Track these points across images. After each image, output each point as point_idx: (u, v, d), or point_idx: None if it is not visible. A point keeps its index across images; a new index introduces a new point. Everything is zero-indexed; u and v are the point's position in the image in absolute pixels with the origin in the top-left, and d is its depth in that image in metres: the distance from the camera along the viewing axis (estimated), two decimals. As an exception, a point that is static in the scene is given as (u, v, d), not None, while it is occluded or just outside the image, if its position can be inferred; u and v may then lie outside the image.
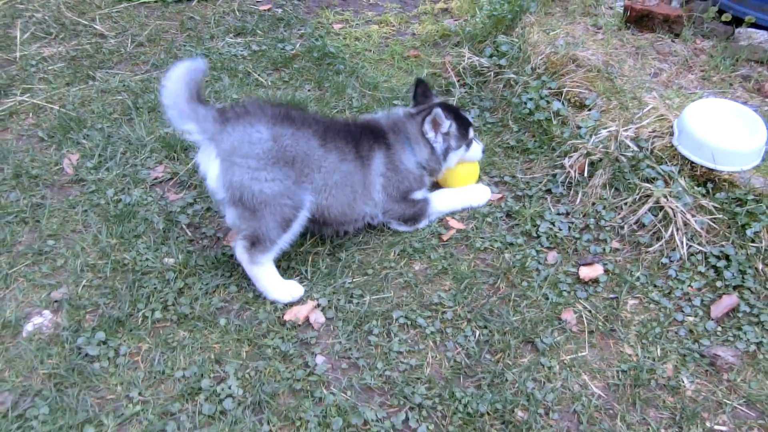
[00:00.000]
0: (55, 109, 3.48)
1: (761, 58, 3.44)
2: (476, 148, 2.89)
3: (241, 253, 2.46)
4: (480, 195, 2.89)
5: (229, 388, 2.19)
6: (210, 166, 2.40)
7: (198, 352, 2.31)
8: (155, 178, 3.05)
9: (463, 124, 2.78)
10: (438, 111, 2.65)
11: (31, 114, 3.48)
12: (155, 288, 2.51)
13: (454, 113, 2.77)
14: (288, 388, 2.20)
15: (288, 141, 2.41)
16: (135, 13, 4.47)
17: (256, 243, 2.42)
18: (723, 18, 3.66)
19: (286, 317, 2.41)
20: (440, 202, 2.83)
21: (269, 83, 3.79)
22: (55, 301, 2.49)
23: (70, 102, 3.54)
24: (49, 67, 3.86)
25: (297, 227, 2.46)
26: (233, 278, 2.58)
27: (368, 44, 4.22)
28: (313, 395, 2.17)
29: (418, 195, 2.76)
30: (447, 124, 2.70)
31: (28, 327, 2.40)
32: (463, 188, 2.91)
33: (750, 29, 3.52)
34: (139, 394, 2.18)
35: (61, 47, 4.06)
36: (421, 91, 2.86)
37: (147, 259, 2.63)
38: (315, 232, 2.71)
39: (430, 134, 2.71)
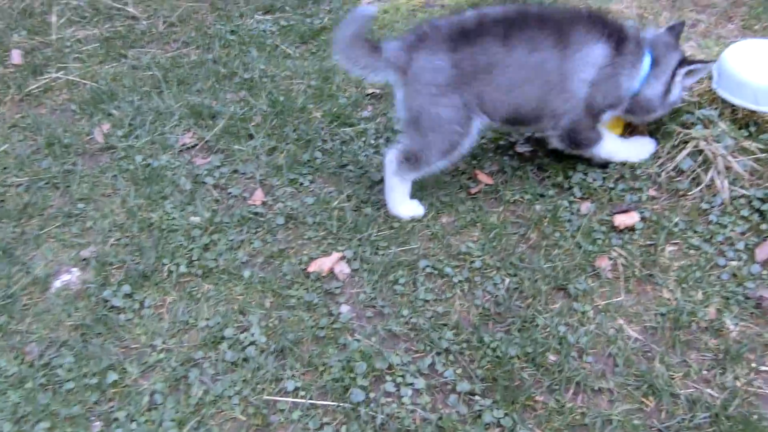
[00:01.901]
0: (88, 85, 3.53)
1: (808, 6, 3.26)
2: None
3: (390, 161, 2.53)
4: (645, 147, 2.65)
5: (252, 336, 2.16)
6: (396, 93, 2.49)
7: (222, 304, 2.30)
8: (183, 144, 3.06)
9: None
10: (710, 68, 2.52)
11: (65, 90, 3.54)
12: (181, 244, 2.51)
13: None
14: (311, 336, 2.16)
15: (468, 62, 2.38)
16: (166, -4, 4.53)
17: (411, 159, 2.48)
18: (766, -31, 3.49)
19: (311, 269, 2.38)
20: (608, 144, 2.59)
21: (297, 54, 3.78)
22: (83, 260, 2.51)
23: (102, 78, 3.60)
24: (83, 48, 3.92)
25: (456, 156, 2.51)
26: (258, 234, 2.55)
27: (396, 16, 4.17)
28: (337, 342, 2.13)
29: (608, 116, 2.56)
30: (691, 83, 2.55)
31: (57, 283, 2.43)
32: (629, 140, 2.67)
33: (795, -22, 3.34)
34: (163, 342, 2.18)
35: (95, 30, 4.13)
36: (678, 32, 2.57)
37: (173, 218, 2.63)
38: (512, 134, 2.78)
39: (678, 78, 2.48)
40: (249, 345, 2.13)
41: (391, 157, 2.52)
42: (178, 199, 2.73)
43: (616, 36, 2.43)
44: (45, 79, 3.61)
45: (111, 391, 2.03)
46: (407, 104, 2.46)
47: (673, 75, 2.48)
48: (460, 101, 2.40)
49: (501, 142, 2.88)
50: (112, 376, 2.06)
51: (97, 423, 1.94)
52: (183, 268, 2.41)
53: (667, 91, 2.49)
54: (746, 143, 2.48)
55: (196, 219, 2.63)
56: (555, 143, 2.61)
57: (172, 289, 2.36)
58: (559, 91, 2.44)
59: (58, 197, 2.82)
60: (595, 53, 2.41)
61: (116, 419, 1.94)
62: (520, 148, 2.82)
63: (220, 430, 1.91)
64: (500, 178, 2.71)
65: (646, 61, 2.48)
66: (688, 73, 2.50)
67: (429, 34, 2.42)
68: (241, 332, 2.18)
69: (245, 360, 2.10)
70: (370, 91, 3.30)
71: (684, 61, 2.50)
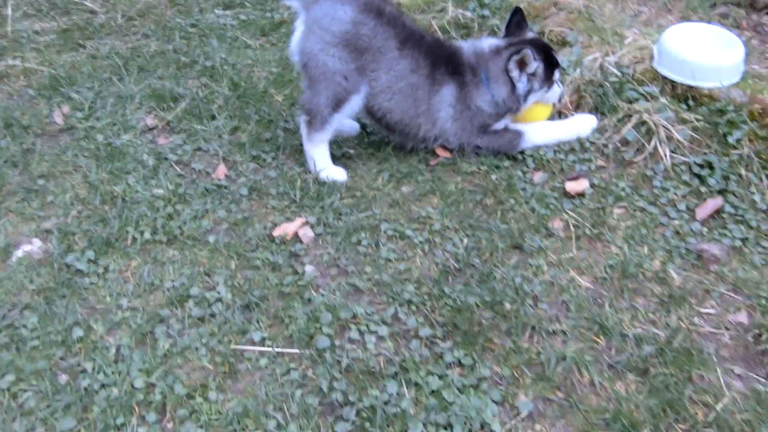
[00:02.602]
0: (46, 72, 3.52)
1: (738, 1, 3.51)
2: (556, 92, 2.77)
3: (302, 128, 2.68)
4: (586, 124, 2.78)
5: (218, 294, 2.19)
6: (296, 31, 2.63)
7: (187, 266, 2.32)
8: (145, 125, 3.08)
9: (550, 66, 2.67)
10: (528, 52, 2.58)
11: (21, 77, 3.52)
12: (145, 214, 2.52)
13: (545, 53, 2.66)
14: (277, 293, 2.20)
15: (366, 31, 2.54)
16: (125, -8, 4.55)
17: (311, 119, 2.61)
18: (700, -30, 3.74)
19: (275, 233, 2.42)
20: (537, 134, 2.76)
21: (257, 45, 3.85)
22: (45, 231, 2.50)
23: (60, 66, 3.59)
24: (40, 39, 3.91)
25: (347, 110, 2.62)
26: (222, 204, 2.59)
27: None
28: (302, 297, 2.18)
29: (500, 125, 2.75)
30: (534, 66, 2.62)
31: (18, 253, 2.41)
32: (568, 119, 2.82)
33: (726, -23, 3.59)
34: (129, 302, 2.19)
35: (52, 23, 4.12)
36: (517, 21, 2.75)
37: (137, 191, 2.65)
38: (392, 141, 2.84)
39: (514, 73, 2.63)
40: (215, 302, 2.16)
41: (301, 124, 2.67)
42: (141, 173, 2.75)
43: (459, 69, 2.68)
44: (1, 66, 3.58)
45: (77, 346, 2.03)
46: (301, 45, 2.60)
47: (507, 72, 2.65)
48: (349, 59, 2.54)
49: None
50: (78, 332, 2.06)
51: (64, 376, 1.94)
52: (147, 236, 2.43)
53: (513, 86, 2.67)
54: (685, 115, 2.66)
55: (159, 191, 2.65)
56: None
57: (137, 254, 2.37)
58: (427, 118, 2.69)
59: (17, 175, 2.79)
60: (448, 93, 2.67)
61: (83, 371, 1.94)
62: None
63: (188, 378, 1.93)
64: (458, 152, 2.82)
65: (483, 81, 2.69)
66: (520, 64, 2.62)
67: None
68: (207, 291, 2.20)
69: (212, 315, 2.12)
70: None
71: (510, 56, 2.63)
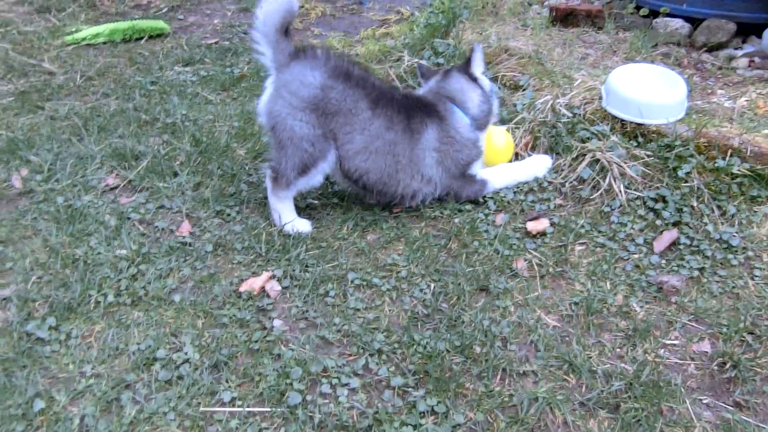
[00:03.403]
0: (3, 135, 3.49)
1: (678, 41, 3.69)
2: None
3: (267, 182, 2.70)
4: (541, 164, 2.89)
5: (186, 354, 2.15)
6: (266, 92, 2.65)
7: (153, 328, 2.28)
8: (106, 185, 3.06)
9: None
10: (480, 46, 2.81)
11: (-22, 142, 3.48)
12: (108, 276, 2.49)
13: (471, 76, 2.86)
14: (246, 350, 2.17)
15: (335, 95, 2.57)
16: (83, 53, 4.58)
17: (277, 177, 2.64)
18: (641, 13, 3.93)
19: (242, 288, 2.41)
20: (498, 179, 2.85)
21: (218, 100, 3.88)
22: (4, 299, 2.44)
23: (18, 128, 3.56)
24: (-3, 102, 3.89)
25: (315, 176, 2.65)
26: (187, 262, 2.57)
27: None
28: (271, 353, 2.15)
29: (476, 168, 2.80)
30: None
31: (-25, 324, 2.34)
32: (524, 161, 2.92)
33: (666, 18, 3.78)
34: (92, 369, 2.13)
35: (9, 85, 4.11)
36: (424, 72, 2.96)
37: (99, 253, 2.61)
38: (367, 199, 2.85)
39: (479, 68, 2.80)
40: (183, 363, 2.12)
41: (267, 177, 2.70)
42: (103, 234, 2.72)
43: (430, 112, 2.76)
44: (-43, 131, 3.54)
45: (38, 419, 1.96)
46: (269, 107, 2.62)
47: (471, 76, 2.82)
48: (317, 124, 2.58)
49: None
50: (39, 404, 1.99)
51: (25, 451, 1.87)
52: (111, 298, 2.39)
53: (480, 88, 2.83)
54: (636, 151, 2.75)
55: (122, 252, 2.62)
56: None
57: (100, 318, 2.32)
58: (408, 172, 2.72)
59: (-26, 242, 2.74)
60: (430, 137, 2.72)
61: (45, 444, 1.88)
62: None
63: (157, 445, 1.88)
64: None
65: (454, 109, 2.79)
66: (477, 61, 2.82)
67: (317, 54, 2.63)
68: (174, 352, 2.17)
69: (179, 378, 2.08)
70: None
71: (468, 62, 2.83)
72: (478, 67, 2.82)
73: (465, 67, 2.82)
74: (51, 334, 2.25)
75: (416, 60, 3.78)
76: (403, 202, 2.78)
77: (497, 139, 2.91)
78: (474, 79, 2.82)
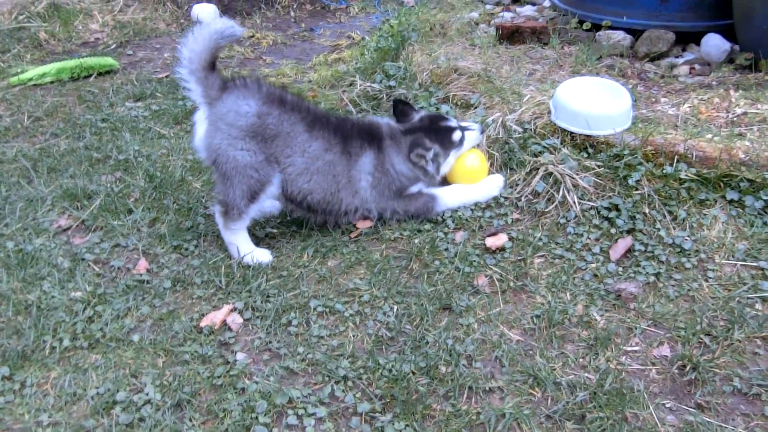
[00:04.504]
0: (-52, 182, 3.39)
1: (621, 52, 3.80)
2: (471, 137, 2.90)
3: (217, 218, 2.69)
4: (494, 184, 2.89)
5: (147, 395, 2.10)
6: (199, 127, 2.65)
7: (112, 370, 2.22)
8: (58, 227, 2.99)
9: (446, 136, 2.83)
10: (419, 151, 2.78)
11: None
12: (63, 320, 2.42)
13: (436, 130, 2.83)
14: (209, 386, 2.14)
15: (272, 120, 2.60)
16: (30, 93, 4.49)
17: (227, 210, 2.62)
18: (584, 27, 4.04)
19: (203, 323, 2.37)
20: (450, 197, 2.86)
21: (171, 134, 3.85)
22: (-47, 352, 2.36)
23: (-36, 174, 3.47)
24: (-59, 148, 3.78)
25: (264, 200, 2.66)
26: (145, 300, 2.52)
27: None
28: (235, 387, 2.12)
29: (415, 189, 2.83)
30: (430, 153, 2.81)
31: (-76, 380, 2.25)
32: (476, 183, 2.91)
33: (608, 31, 3.89)
34: (49, 417, 2.07)
35: (-47, 130, 4.00)
36: (401, 110, 2.93)
37: (52, 297, 2.54)
38: (312, 220, 2.84)
39: (420, 163, 2.81)
40: (144, 404, 2.07)
41: (217, 213, 2.69)
42: (57, 277, 2.65)
43: (375, 140, 2.81)
44: None
45: (-6, 474, 1.89)
46: (207, 142, 2.62)
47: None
48: (258, 150, 2.60)
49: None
50: (-6, 459, 1.92)
51: None
52: (66, 342, 2.33)
53: (423, 170, 2.85)
54: (587, 162, 2.81)
55: (77, 294, 2.56)
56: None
57: (56, 364, 2.26)
58: (349, 191, 2.76)
59: None
60: (367, 162, 2.78)
61: (1, 501, 1.80)
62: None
63: (119, 491, 1.82)
64: (379, 221, 2.87)
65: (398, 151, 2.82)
66: (417, 156, 2.81)
67: (248, 84, 2.65)
68: (135, 394, 2.11)
69: (141, 419, 2.03)
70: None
71: (409, 154, 2.82)
72: (416, 161, 2.81)
73: (408, 155, 2.81)
74: (4, 384, 2.18)
75: (368, 84, 3.81)
76: (347, 218, 2.82)
77: (470, 161, 2.93)
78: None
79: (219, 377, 2.15)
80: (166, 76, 4.71)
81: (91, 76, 4.71)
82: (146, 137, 3.80)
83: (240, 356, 2.24)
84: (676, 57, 3.72)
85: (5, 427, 2.05)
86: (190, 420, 2.02)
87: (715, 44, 3.56)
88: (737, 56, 3.46)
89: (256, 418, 1.98)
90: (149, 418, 2.03)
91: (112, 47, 5.31)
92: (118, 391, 2.13)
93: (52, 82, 4.64)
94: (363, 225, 2.84)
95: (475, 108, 3.29)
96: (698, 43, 3.72)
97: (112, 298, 2.52)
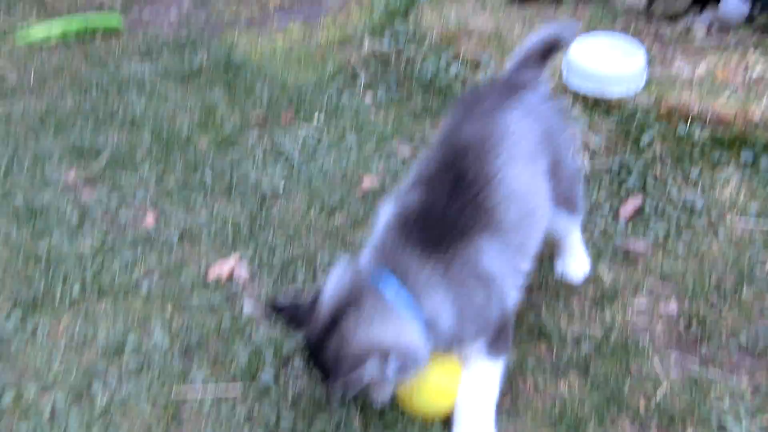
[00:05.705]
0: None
1: (636, 12, 3.73)
2: None
3: None
4: None
5: (155, 341, 2.13)
6: None
7: (121, 318, 2.25)
8: (66, 181, 2.99)
9: None
10: None
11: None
12: (72, 270, 2.44)
13: None
14: (216, 334, 2.15)
15: None
16: (36, 53, 4.46)
17: None
18: (598, -11, 3.96)
19: (210, 275, 2.39)
20: None
21: (178, 93, 3.82)
22: (-36, 300, 2.38)
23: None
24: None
25: None
26: (153, 252, 2.53)
27: (274, 55, 4.33)
28: (242, 335, 2.14)
29: None
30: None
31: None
32: None
33: (623, -7, 3.82)
34: (61, 360, 2.10)
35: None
36: None
37: (62, 248, 2.56)
38: None
39: None
40: (153, 350, 2.10)
41: None
42: (66, 230, 2.66)
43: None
44: None
45: (8, 412, 1.92)
46: None
47: None
48: None
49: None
50: (7, 398, 1.95)
51: (-6, 445, 1.84)
52: (76, 291, 2.35)
53: None
54: (599, 122, 2.78)
55: (86, 245, 2.57)
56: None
57: (66, 311, 2.28)
58: None
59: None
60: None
61: (16, 435, 1.84)
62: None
63: (130, 430, 1.85)
64: (386, 177, 2.86)
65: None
66: None
67: None
68: (144, 340, 2.14)
69: (150, 363, 2.06)
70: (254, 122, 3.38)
71: None
72: None
73: None
74: (17, 329, 2.21)
75: (377, 46, 3.77)
76: None
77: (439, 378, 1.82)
78: None
79: (226, 326, 2.17)
80: (173, 36, 4.66)
81: (96, 34, 4.67)
82: (152, 96, 3.78)
83: (247, 307, 2.25)
84: (694, 17, 3.65)
85: (18, 369, 2.08)
86: (198, 366, 2.04)
87: (734, 4, 3.49)
88: (757, 17, 3.39)
89: (264, 363, 2.00)
90: (158, 361, 2.05)
91: (118, 7, 5.25)
92: (127, 335, 2.15)
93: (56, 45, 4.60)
94: (369, 182, 2.83)
95: (486, 68, 3.25)
96: (717, 3, 3.65)
97: (121, 250, 2.54)
